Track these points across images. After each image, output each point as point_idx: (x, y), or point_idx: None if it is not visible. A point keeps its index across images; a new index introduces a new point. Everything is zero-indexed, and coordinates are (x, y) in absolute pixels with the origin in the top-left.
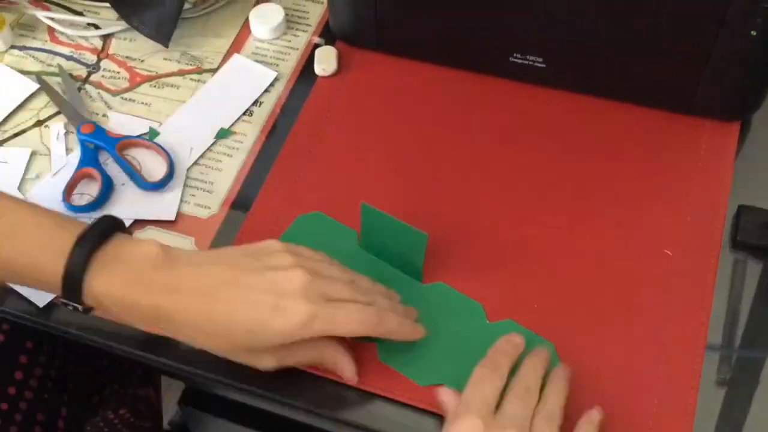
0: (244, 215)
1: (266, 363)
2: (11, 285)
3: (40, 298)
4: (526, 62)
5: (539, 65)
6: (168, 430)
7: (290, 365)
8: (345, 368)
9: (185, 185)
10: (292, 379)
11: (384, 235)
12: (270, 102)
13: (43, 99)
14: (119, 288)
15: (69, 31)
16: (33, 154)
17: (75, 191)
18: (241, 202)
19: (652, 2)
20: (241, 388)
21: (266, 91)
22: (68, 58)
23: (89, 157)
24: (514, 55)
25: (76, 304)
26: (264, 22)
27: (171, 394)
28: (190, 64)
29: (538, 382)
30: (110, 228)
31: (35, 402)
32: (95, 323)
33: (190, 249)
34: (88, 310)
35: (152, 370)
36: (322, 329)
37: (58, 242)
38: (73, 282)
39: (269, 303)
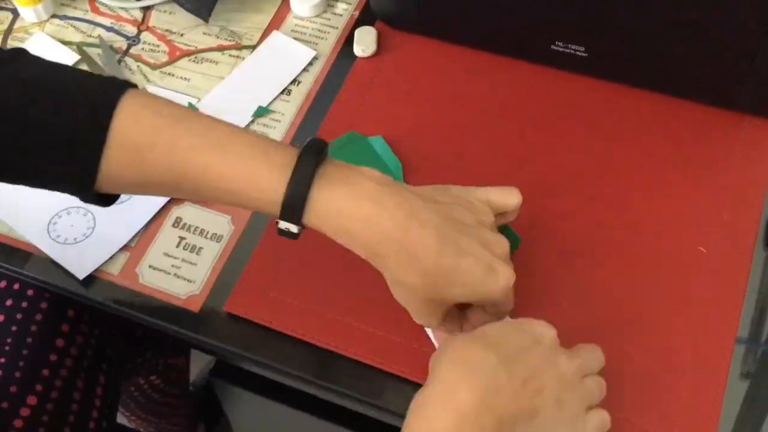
0: None
1: (434, 320)
2: (56, 262)
3: (81, 271)
4: (568, 50)
5: (581, 54)
6: (192, 392)
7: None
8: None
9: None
10: (325, 362)
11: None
12: (308, 81)
13: (84, 70)
14: (347, 202)
15: (110, 2)
16: None
17: None
18: None
19: (699, 2)
20: (273, 367)
21: (305, 69)
22: (108, 29)
23: None
24: (556, 43)
25: (293, 225)
26: None
27: (199, 360)
28: (229, 40)
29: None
30: (324, 146)
31: (75, 369)
32: (132, 297)
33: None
34: (298, 233)
35: (185, 344)
36: (508, 288)
37: (277, 157)
38: (296, 199)
39: (486, 262)
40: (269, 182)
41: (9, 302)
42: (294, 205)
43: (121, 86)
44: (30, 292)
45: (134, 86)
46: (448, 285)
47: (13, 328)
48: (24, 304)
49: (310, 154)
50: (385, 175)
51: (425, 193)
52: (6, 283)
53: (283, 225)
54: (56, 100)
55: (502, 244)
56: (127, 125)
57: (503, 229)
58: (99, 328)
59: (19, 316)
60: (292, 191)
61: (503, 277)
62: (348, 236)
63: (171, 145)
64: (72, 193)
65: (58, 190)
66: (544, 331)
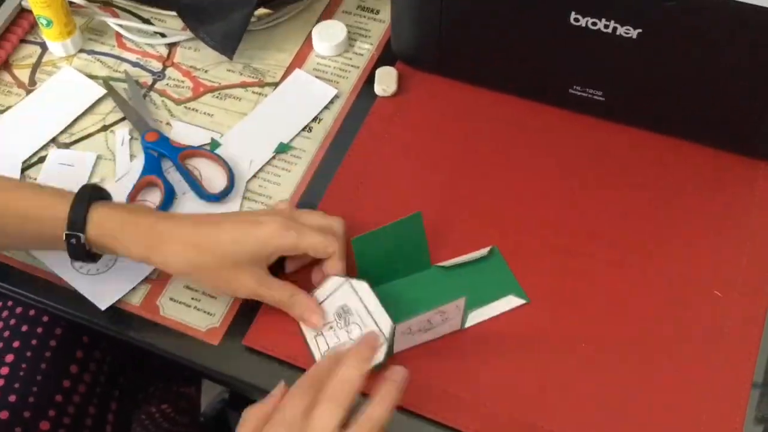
0: None
1: (246, 283)
2: (74, 288)
3: (103, 302)
4: (586, 95)
5: (598, 98)
6: (203, 423)
7: (264, 298)
8: (312, 316)
9: (244, 197)
10: None
11: (383, 248)
12: (329, 119)
13: (109, 104)
14: (121, 212)
15: (136, 38)
16: (98, 158)
17: (138, 198)
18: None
19: (719, 50)
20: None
21: (326, 107)
22: (134, 64)
23: (153, 165)
24: (574, 87)
25: (79, 233)
26: (326, 38)
27: (210, 389)
28: (253, 77)
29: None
30: (104, 191)
31: (88, 395)
32: (153, 329)
33: None
34: (90, 251)
35: (200, 374)
36: (294, 239)
37: (61, 191)
38: (79, 210)
39: (251, 220)
40: (60, 204)
41: (25, 328)
42: (76, 218)
43: None
44: (45, 318)
45: None
46: (226, 247)
47: (28, 354)
48: (39, 330)
49: (87, 187)
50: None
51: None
52: (22, 309)
53: (68, 235)
54: None
55: (270, 212)
56: None
57: (401, 225)
58: (112, 356)
59: (34, 341)
60: (74, 207)
61: (271, 222)
62: (122, 238)
63: None
64: None
65: None
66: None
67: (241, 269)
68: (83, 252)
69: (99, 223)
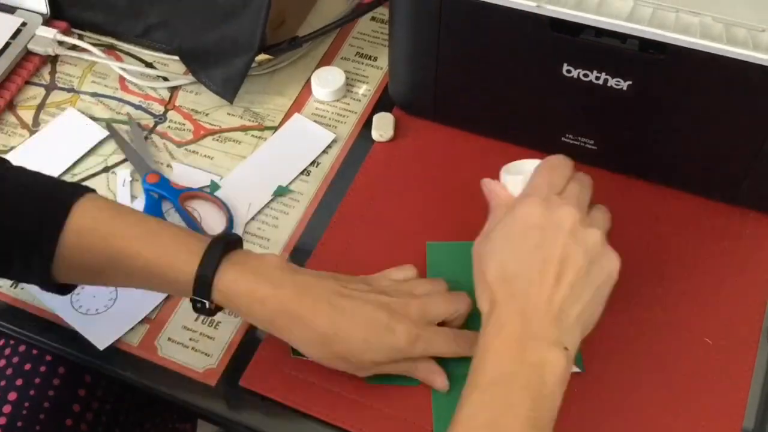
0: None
1: (365, 373)
2: (73, 327)
3: (101, 342)
4: (578, 143)
5: (590, 147)
6: None
7: (387, 372)
8: (437, 379)
9: (243, 239)
10: None
11: (458, 263)
12: (327, 163)
13: (111, 146)
14: (248, 283)
15: (139, 82)
16: None
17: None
18: (296, 259)
19: (707, 103)
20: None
21: (324, 151)
22: (137, 107)
23: (153, 206)
24: (566, 135)
25: (205, 300)
26: (325, 84)
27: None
28: (252, 121)
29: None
30: (237, 240)
31: None
32: (151, 369)
33: None
34: (215, 310)
35: (193, 415)
36: (423, 349)
37: (193, 245)
38: (205, 278)
39: (383, 321)
40: (187, 267)
41: (27, 366)
42: (203, 285)
43: (77, 190)
44: (48, 357)
45: (92, 191)
46: (357, 346)
47: (31, 392)
48: (42, 369)
49: (219, 242)
50: (287, 262)
51: (323, 275)
52: (25, 347)
53: (197, 300)
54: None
55: (405, 305)
56: (81, 224)
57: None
58: (113, 394)
59: (37, 380)
60: (201, 274)
61: (401, 333)
62: (248, 313)
63: (110, 235)
64: (35, 283)
65: (24, 282)
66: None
67: (364, 366)
68: (210, 313)
69: (225, 296)
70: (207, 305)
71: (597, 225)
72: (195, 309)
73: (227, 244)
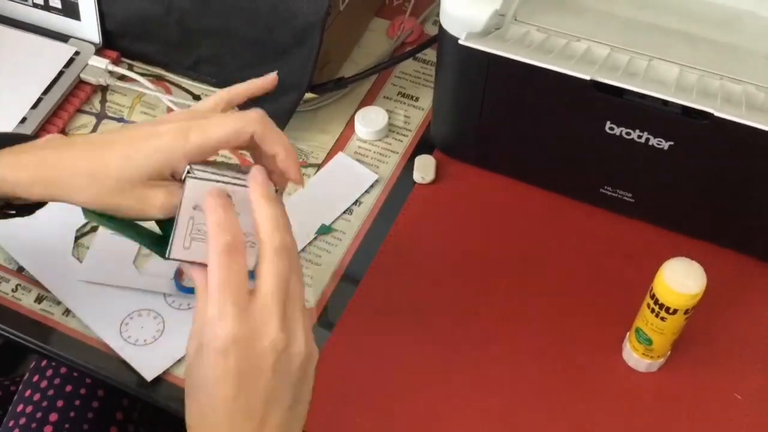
0: (340, 311)
1: (155, 201)
2: (122, 357)
3: (149, 372)
4: (616, 195)
5: (628, 199)
6: None
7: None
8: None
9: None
10: None
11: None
12: (369, 203)
13: None
14: (14, 155)
15: None
16: None
17: (186, 273)
18: (337, 298)
19: (747, 167)
20: None
21: (366, 191)
22: None
23: None
24: (605, 187)
25: None
26: (367, 124)
27: None
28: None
29: None
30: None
31: None
32: None
33: None
34: (11, 205)
35: None
36: (198, 139)
37: None
38: None
39: (144, 133)
40: None
41: (69, 388)
42: None
43: None
44: (88, 380)
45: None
46: (118, 163)
47: (71, 414)
48: (82, 391)
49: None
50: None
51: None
52: (66, 369)
53: None
54: None
55: (165, 117)
56: None
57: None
58: (148, 416)
59: (77, 402)
60: None
61: (167, 130)
62: (17, 176)
63: None
64: None
65: None
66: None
67: (146, 188)
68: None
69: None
70: None
71: (299, 338)
72: None
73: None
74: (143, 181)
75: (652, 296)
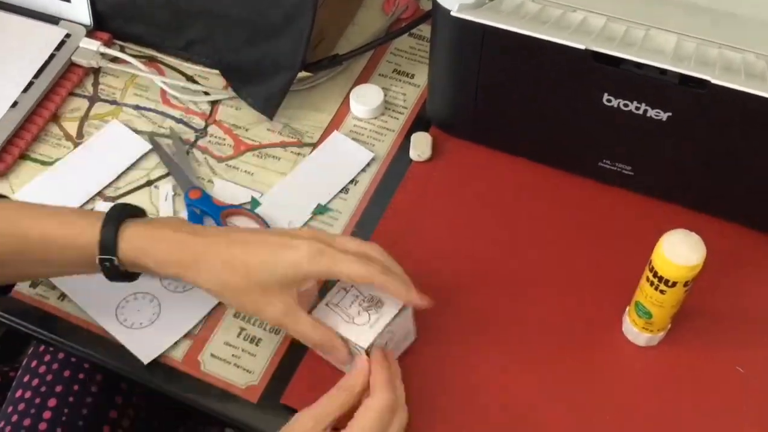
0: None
1: (272, 310)
2: (119, 341)
3: (146, 355)
4: (615, 168)
5: (627, 172)
6: None
7: (289, 329)
8: (339, 355)
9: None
10: None
11: None
12: (365, 182)
13: (154, 159)
14: (150, 229)
15: (180, 95)
16: None
17: None
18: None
19: (744, 136)
20: None
21: (362, 170)
22: (178, 120)
23: (195, 221)
24: (604, 161)
25: (111, 257)
26: (363, 102)
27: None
28: (291, 137)
29: None
30: (140, 210)
31: None
32: (193, 384)
33: None
34: (125, 272)
35: (225, 424)
36: (327, 265)
37: (92, 215)
38: (109, 233)
39: (282, 242)
40: (90, 230)
41: (67, 373)
42: (107, 241)
43: None
44: (86, 365)
45: None
46: (256, 268)
47: (70, 399)
48: (81, 376)
49: (120, 206)
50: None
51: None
52: (64, 354)
53: (102, 258)
54: None
55: (303, 232)
56: None
57: None
58: (147, 401)
59: (76, 387)
60: (104, 231)
61: (301, 246)
62: (153, 257)
63: (15, 223)
64: None
65: None
66: None
67: (269, 294)
68: (119, 273)
69: (130, 242)
70: (114, 261)
71: None
72: (106, 274)
73: (127, 208)
74: (270, 287)
75: (651, 269)
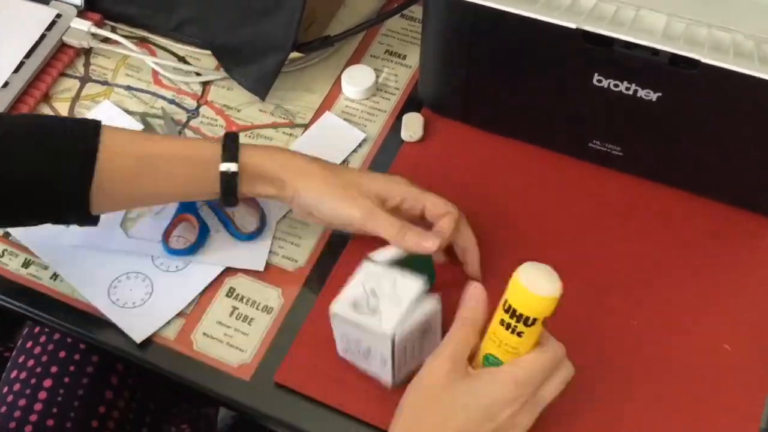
0: (329, 270)
1: (356, 213)
2: (111, 320)
3: (138, 334)
4: (604, 149)
5: (616, 153)
6: None
7: (369, 230)
8: (427, 241)
9: (274, 237)
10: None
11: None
12: (357, 162)
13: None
14: (263, 147)
15: (172, 76)
16: None
17: (173, 234)
18: (327, 257)
19: (734, 116)
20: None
21: (354, 150)
22: (170, 101)
23: (188, 203)
24: (594, 141)
25: (234, 163)
26: (355, 83)
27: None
28: (283, 118)
29: None
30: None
31: (121, 422)
32: (186, 363)
33: None
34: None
35: (218, 402)
36: (419, 193)
37: (208, 139)
38: (232, 146)
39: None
40: (210, 146)
41: (62, 354)
42: (231, 152)
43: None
44: (82, 346)
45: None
46: (349, 173)
47: (66, 380)
48: (76, 357)
49: (230, 135)
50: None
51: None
52: (60, 335)
53: (225, 167)
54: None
55: None
56: (110, 152)
57: (424, 261)
58: (144, 382)
59: (71, 367)
60: (227, 141)
61: (399, 178)
62: (266, 168)
63: (136, 146)
64: (73, 222)
65: (63, 223)
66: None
67: (360, 198)
68: (234, 188)
69: (250, 156)
70: (236, 169)
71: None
72: (223, 187)
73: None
74: (364, 195)
75: (507, 309)
